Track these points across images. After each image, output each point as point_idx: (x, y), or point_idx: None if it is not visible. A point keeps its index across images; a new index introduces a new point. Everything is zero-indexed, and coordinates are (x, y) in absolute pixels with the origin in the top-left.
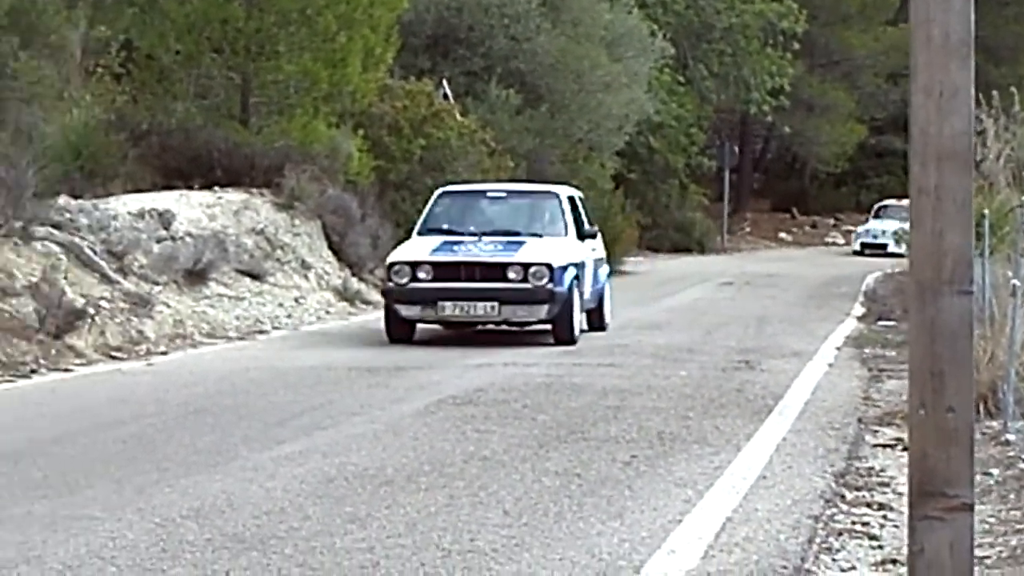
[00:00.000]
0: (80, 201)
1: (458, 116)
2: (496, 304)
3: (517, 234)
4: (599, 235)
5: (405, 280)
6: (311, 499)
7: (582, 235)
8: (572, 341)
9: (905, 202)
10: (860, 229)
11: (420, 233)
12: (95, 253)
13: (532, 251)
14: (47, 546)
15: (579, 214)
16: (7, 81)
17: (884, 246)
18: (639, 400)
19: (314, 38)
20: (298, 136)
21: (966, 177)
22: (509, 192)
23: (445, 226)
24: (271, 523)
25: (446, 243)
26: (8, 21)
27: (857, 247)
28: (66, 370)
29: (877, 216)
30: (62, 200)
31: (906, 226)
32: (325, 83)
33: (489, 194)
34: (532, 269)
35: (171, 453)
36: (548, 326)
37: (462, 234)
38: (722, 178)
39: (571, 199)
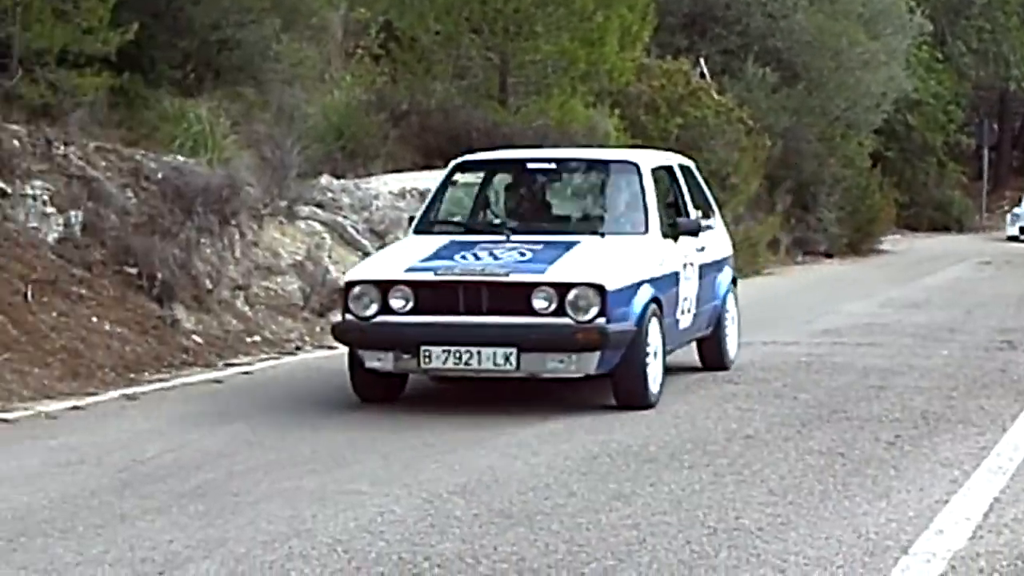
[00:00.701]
0: (342, 181)
1: (715, 95)
2: (513, 351)
3: (566, 231)
4: (718, 224)
5: (370, 311)
6: (575, 475)
7: (676, 231)
8: (646, 403)
9: None
10: (1018, 211)
11: (419, 230)
12: (357, 232)
13: (576, 263)
14: (317, 520)
15: (680, 195)
16: (270, 63)
17: None
18: (901, 380)
19: (571, 17)
20: (556, 115)
21: None
22: (560, 162)
23: (458, 217)
24: (537, 499)
25: (450, 247)
26: (270, 4)
27: (1015, 231)
28: (330, 348)
29: None
30: (324, 180)
31: None
32: (582, 62)
33: (531, 165)
34: (572, 295)
35: (437, 429)
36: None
37: (481, 231)
38: (980, 156)
39: (665, 172)
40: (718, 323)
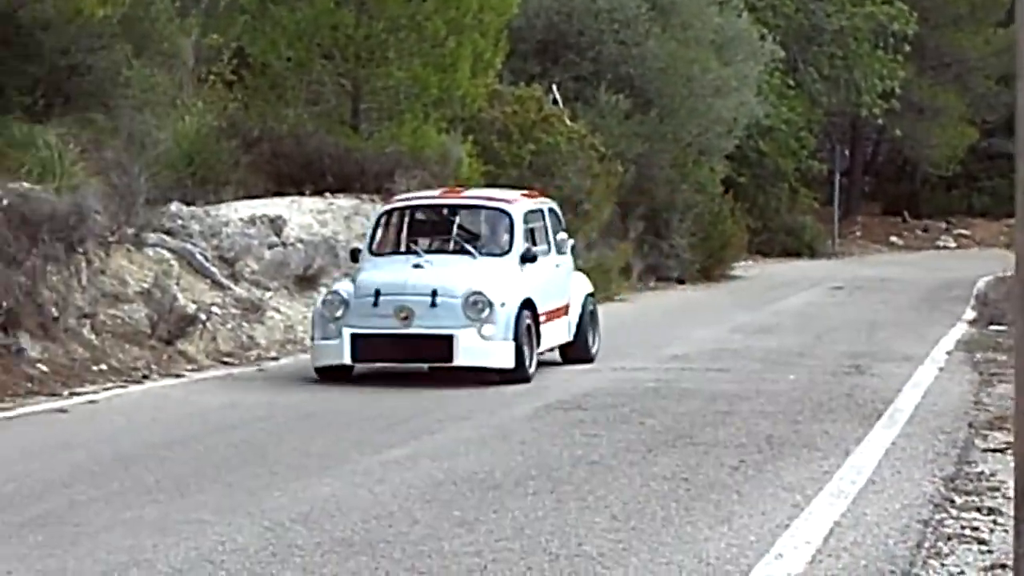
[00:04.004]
0: (192, 208)
1: (567, 121)
2: None
3: None
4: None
5: None
6: (419, 503)
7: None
8: None
9: None
10: (342, 288)
11: None
12: (207, 259)
13: None
14: (158, 550)
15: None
16: (121, 89)
17: None
18: (748, 405)
19: (423, 44)
20: (408, 142)
21: None
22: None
23: None
24: (379, 527)
25: None
26: (121, 29)
27: (340, 356)
28: (177, 376)
29: None
30: (174, 207)
31: None
32: (435, 89)
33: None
34: None
35: (281, 457)
36: None
37: None
38: (832, 182)
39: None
40: None
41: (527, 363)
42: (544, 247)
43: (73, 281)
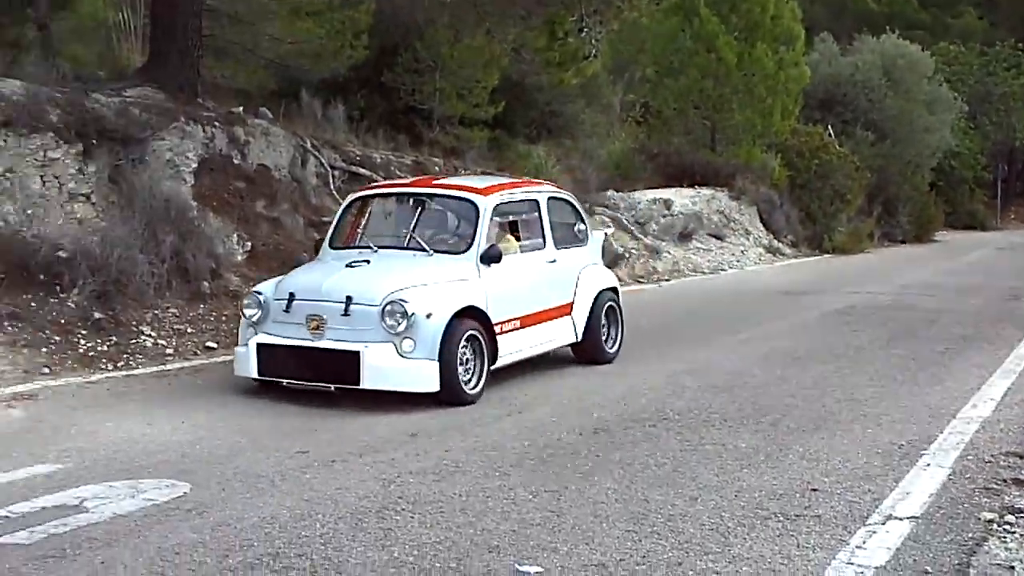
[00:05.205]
0: (620, 193)
1: (837, 147)
2: None
3: None
4: None
5: None
6: (756, 366)
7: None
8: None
9: None
10: (264, 290)
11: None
12: (628, 222)
13: None
14: (605, 385)
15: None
16: (579, 125)
17: None
18: (948, 316)
19: (753, 100)
20: (743, 157)
21: None
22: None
23: None
24: (735, 379)
25: None
26: (580, 92)
27: (251, 366)
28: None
29: None
30: (609, 193)
31: None
32: (759, 127)
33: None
34: None
35: (674, 339)
36: None
37: None
38: (996, 184)
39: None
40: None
41: (463, 383)
42: (538, 241)
43: None
